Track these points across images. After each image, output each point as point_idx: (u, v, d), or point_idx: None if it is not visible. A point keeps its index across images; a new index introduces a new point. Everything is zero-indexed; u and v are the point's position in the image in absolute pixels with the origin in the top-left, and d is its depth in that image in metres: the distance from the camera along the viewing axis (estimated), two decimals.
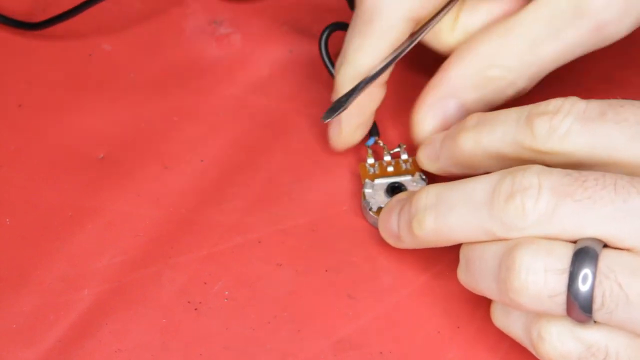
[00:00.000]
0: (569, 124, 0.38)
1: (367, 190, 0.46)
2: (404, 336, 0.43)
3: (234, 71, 0.49)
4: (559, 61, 0.45)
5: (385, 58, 0.45)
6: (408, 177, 0.47)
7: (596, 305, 0.36)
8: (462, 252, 0.40)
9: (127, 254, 0.45)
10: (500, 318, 0.40)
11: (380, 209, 0.45)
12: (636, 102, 0.39)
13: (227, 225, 0.46)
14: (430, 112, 0.46)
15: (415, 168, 0.47)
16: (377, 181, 0.47)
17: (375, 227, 0.45)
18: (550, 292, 0.36)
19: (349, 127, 0.47)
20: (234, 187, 0.48)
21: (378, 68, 0.45)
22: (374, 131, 0.48)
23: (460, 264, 0.40)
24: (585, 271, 0.36)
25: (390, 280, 0.44)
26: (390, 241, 0.44)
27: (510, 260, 0.37)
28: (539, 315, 0.38)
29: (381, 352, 0.42)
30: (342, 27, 0.48)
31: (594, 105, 0.39)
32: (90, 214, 0.47)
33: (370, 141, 0.48)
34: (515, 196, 0.37)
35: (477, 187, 0.39)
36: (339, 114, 0.44)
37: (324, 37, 0.49)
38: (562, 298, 0.36)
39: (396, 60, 0.45)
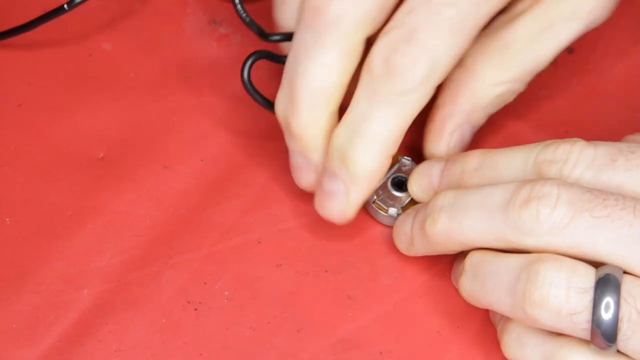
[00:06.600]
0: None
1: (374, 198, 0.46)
2: (404, 336, 0.43)
3: (234, 71, 0.48)
4: (553, 58, 0.44)
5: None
6: (395, 167, 0.46)
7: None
8: (470, 261, 0.40)
9: (127, 253, 0.45)
10: (514, 348, 0.39)
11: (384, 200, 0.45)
12: None
13: (227, 225, 0.46)
14: (451, 142, 0.45)
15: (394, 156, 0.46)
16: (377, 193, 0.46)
17: (381, 223, 0.46)
18: (571, 310, 0.36)
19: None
20: (234, 187, 0.48)
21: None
22: None
23: (465, 273, 0.40)
24: (608, 299, 0.36)
25: (390, 281, 0.44)
26: (402, 246, 0.44)
27: (533, 272, 0.37)
28: (559, 345, 0.38)
29: (381, 352, 0.42)
30: (267, 55, 0.46)
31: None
32: (90, 213, 0.47)
33: None
34: (532, 202, 0.37)
35: (495, 192, 0.39)
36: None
37: (247, 65, 0.45)
38: (580, 318, 0.36)
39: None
